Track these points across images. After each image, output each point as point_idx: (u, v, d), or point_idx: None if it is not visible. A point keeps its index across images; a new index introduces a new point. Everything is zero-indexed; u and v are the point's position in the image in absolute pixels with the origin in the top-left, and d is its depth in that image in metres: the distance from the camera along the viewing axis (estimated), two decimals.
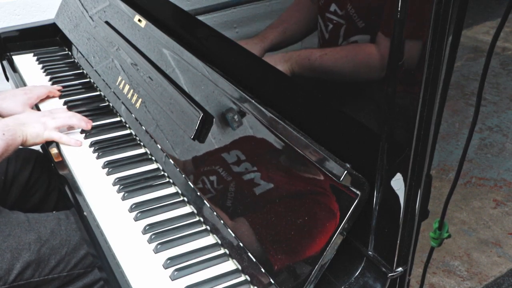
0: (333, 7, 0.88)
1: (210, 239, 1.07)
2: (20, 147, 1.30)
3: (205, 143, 1.11)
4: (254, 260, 0.94)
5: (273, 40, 1.04)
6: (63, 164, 1.32)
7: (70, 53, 1.84)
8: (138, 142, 1.36)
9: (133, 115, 1.36)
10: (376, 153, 0.81)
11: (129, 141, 1.36)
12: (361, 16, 0.82)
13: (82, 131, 1.39)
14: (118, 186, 1.20)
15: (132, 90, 1.38)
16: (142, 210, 1.13)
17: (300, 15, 0.99)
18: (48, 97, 1.56)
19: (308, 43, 0.99)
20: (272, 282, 0.89)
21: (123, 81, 1.43)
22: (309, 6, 0.96)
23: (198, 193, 1.09)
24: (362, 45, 0.82)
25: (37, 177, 1.54)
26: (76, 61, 1.78)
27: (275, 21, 1.04)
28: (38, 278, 1.20)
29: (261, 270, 0.92)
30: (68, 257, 1.23)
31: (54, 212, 1.45)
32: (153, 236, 1.06)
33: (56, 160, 1.33)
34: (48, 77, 1.69)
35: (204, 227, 1.09)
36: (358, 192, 0.82)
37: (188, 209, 1.14)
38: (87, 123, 1.37)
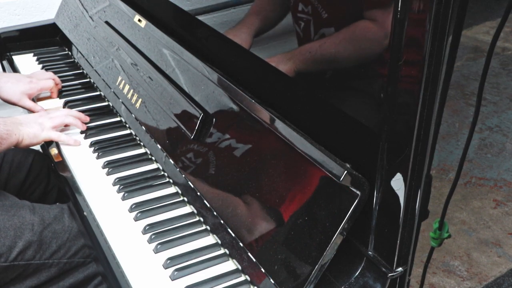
0: (300, 6, 0.93)
1: (210, 239, 1.07)
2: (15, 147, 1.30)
3: (205, 143, 1.11)
4: (254, 260, 0.94)
5: (257, 27, 1.09)
6: (63, 164, 1.32)
7: (70, 53, 1.84)
8: (138, 142, 1.36)
9: (133, 115, 1.36)
10: (376, 153, 0.81)
11: (129, 141, 1.37)
12: (324, 6, 0.86)
13: (82, 131, 1.39)
14: (118, 186, 1.20)
15: (132, 90, 1.38)
16: (142, 210, 1.13)
17: (274, 2, 1.06)
18: (48, 97, 1.56)
19: (290, 45, 1.02)
20: (272, 282, 0.89)
21: (123, 81, 1.43)
22: None
23: (198, 193, 1.09)
24: (354, 23, 0.84)
25: (35, 176, 1.54)
26: (76, 61, 1.78)
27: (254, 7, 1.10)
28: (38, 261, 1.21)
29: (261, 270, 0.92)
30: (69, 244, 1.25)
31: (57, 203, 1.46)
32: (153, 236, 1.06)
33: (56, 160, 1.33)
34: None
35: (204, 227, 1.09)
36: (358, 192, 0.82)
37: (188, 209, 1.14)
38: (82, 124, 1.39)
